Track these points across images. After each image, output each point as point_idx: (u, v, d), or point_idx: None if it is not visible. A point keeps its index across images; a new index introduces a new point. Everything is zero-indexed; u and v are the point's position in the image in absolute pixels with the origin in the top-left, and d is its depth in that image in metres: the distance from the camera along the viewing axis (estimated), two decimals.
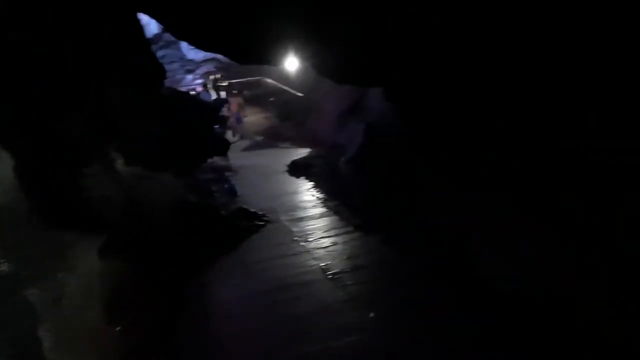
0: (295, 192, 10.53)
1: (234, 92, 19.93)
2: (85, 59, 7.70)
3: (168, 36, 26.75)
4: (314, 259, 6.87)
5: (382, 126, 10.15)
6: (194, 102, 14.09)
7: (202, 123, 12.53)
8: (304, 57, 8.76)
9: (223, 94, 19.89)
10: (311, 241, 7.56)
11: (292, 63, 21.71)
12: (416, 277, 6.04)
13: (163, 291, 6.45)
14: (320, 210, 9.10)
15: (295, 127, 18.56)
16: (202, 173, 12.78)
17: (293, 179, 11.78)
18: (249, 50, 8.57)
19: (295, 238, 7.78)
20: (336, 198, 9.47)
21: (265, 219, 8.87)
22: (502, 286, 5.29)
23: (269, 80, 21.24)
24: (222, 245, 7.87)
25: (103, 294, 5.68)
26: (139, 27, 10.80)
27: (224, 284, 6.61)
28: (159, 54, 26.01)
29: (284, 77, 21.09)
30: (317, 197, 9.89)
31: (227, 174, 13.28)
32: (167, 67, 25.03)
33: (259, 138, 17.32)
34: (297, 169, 12.26)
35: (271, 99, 20.52)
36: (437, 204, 7.46)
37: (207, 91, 19.26)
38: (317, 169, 11.83)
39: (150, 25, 27.17)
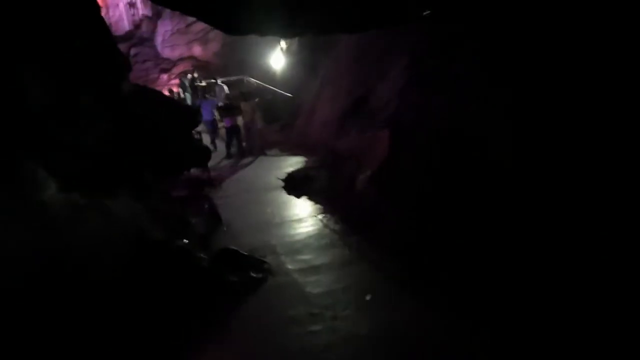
0: (299, 219, 7.34)
1: (244, 94, 15.32)
2: None
3: (141, 33, 23.21)
4: None
5: (411, 130, 7.06)
6: (166, 102, 10.76)
7: (176, 127, 9.25)
8: None
9: (225, 90, 15.88)
10: (345, 318, 4.39)
11: (278, 60, 18.52)
12: None
13: None
14: (340, 252, 5.93)
15: (283, 131, 15.37)
16: (175, 188, 9.55)
17: (291, 198, 8.59)
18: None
19: (316, 310, 4.59)
20: (359, 231, 6.33)
21: (265, 266, 5.68)
22: None
23: (252, 80, 17.97)
24: (199, 321, 4.68)
25: None
26: (92, 4, 7.55)
27: None
28: (132, 52, 22.50)
29: (269, 76, 17.86)
30: (331, 229, 6.73)
31: (206, 189, 10.07)
32: (140, 66, 21.07)
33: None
34: (295, 185, 9.08)
35: (255, 99, 17.21)
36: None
37: (209, 97, 15.48)
38: (320, 184, 8.67)
39: (123, 22, 23.62)
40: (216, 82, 16.55)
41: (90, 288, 4.91)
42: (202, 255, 5.91)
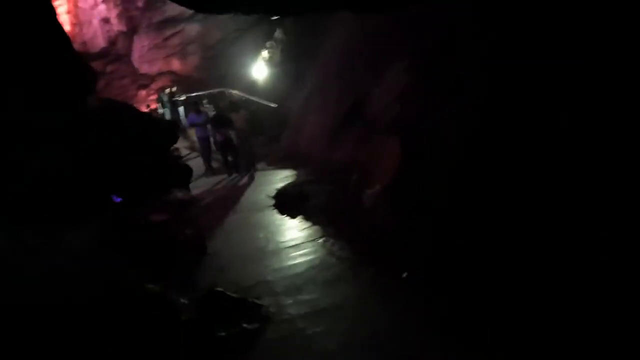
0: (297, 245, 6.07)
1: (235, 105, 13.05)
2: None
3: (117, 50, 21.82)
4: None
5: (425, 137, 5.88)
6: (140, 117, 9.46)
7: (152, 144, 7.95)
8: None
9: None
10: None
11: (260, 71, 17.31)
12: None
13: None
14: (353, 288, 4.69)
15: (269, 143, 14.13)
16: (154, 212, 8.22)
17: (285, 218, 7.32)
18: None
19: None
20: (374, 259, 5.09)
21: (261, 312, 4.41)
22: None
23: (234, 92, 16.73)
24: None
25: None
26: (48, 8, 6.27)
27: None
28: (108, 69, 21.13)
29: (252, 88, 16.64)
30: (337, 256, 5.48)
31: (189, 212, 8.75)
32: (117, 83, 19.53)
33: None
34: (289, 203, 7.82)
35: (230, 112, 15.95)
36: None
37: (203, 110, 13.01)
38: (317, 201, 7.43)
39: (98, 39, 22.24)
40: (200, 104, 14.53)
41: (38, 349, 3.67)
42: (182, 300, 4.62)
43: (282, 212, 7.59)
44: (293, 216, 7.25)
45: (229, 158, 11.27)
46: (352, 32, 11.04)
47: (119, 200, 6.44)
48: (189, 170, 9.09)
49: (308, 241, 6.14)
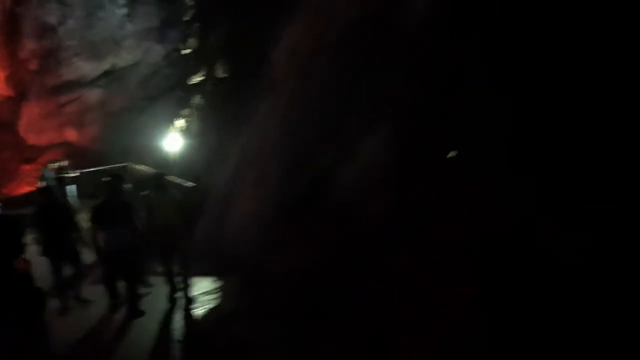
0: None
1: (159, 179, 6.75)
2: None
3: (1, 117, 17.04)
4: None
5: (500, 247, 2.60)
6: None
7: None
8: None
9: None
10: None
11: (174, 143, 13.59)
12: None
13: None
14: None
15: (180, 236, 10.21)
16: None
17: None
18: None
19: None
20: None
21: None
22: None
23: (141, 167, 12.81)
24: None
25: None
26: None
27: None
28: None
29: (163, 162, 12.82)
30: None
31: None
32: None
33: None
34: None
35: (144, 192, 11.93)
36: None
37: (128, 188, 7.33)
38: None
39: None
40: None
41: None
42: None
43: None
44: None
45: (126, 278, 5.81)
46: (299, 91, 7.86)
47: None
48: (36, 299, 5.06)
49: None
